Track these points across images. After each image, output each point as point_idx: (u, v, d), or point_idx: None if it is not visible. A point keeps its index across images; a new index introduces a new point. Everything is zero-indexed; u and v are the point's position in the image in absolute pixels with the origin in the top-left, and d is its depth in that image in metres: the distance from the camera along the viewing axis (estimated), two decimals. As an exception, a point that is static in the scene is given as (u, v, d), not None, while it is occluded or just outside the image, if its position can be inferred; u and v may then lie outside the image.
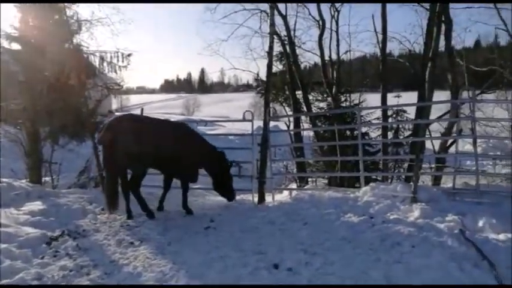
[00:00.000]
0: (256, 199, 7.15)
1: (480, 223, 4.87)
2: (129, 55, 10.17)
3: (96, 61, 10.00)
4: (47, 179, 8.61)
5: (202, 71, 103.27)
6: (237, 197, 7.21)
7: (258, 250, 4.37)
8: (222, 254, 4.26)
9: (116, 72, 10.22)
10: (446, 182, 9.15)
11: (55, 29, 8.43)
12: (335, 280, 3.60)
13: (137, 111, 8.38)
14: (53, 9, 8.47)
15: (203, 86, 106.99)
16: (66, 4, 8.57)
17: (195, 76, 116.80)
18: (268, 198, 7.23)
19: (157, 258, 4.17)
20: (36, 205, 5.73)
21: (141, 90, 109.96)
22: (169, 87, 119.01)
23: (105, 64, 10.08)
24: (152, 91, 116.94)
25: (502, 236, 4.44)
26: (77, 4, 9.21)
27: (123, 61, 10.18)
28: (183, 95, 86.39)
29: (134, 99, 67.50)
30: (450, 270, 3.74)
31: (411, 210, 5.46)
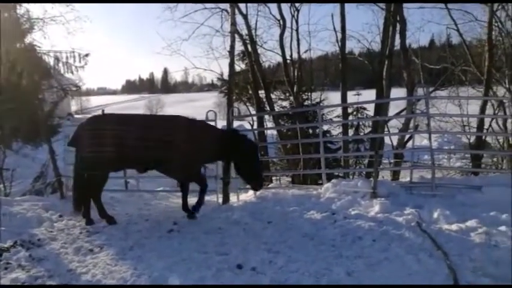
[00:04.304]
0: (220, 200, 7.12)
1: (435, 215, 5.08)
2: (86, 55, 9.85)
3: (50, 61, 9.60)
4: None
5: (165, 71, 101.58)
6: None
7: (221, 251, 4.34)
8: (185, 256, 4.19)
9: (72, 72, 9.86)
10: (405, 177, 9.48)
11: (5, 27, 8.02)
12: (298, 277, 3.64)
13: (99, 113, 8.10)
14: (2, 7, 8.05)
15: (166, 86, 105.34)
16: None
17: (158, 76, 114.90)
18: (233, 198, 7.22)
19: (118, 264, 4.04)
20: (-14, 215, 5.41)
21: (103, 92, 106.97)
22: (131, 87, 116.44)
23: (60, 64, 9.69)
24: (114, 92, 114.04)
25: (454, 226, 4.66)
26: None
27: (80, 61, 9.86)
28: (146, 95, 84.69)
29: (95, 100, 65.49)
30: (408, 262, 3.87)
31: (371, 205, 5.61)
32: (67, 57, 9.59)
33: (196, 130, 5.88)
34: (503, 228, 4.50)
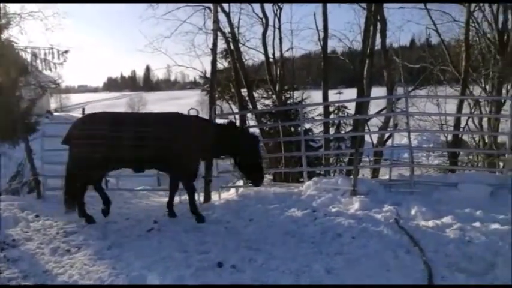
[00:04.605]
0: (202, 198, 7.09)
1: (413, 212, 5.17)
2: (65, 52, 9.64)
3: (28, 58, 9.37)
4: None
5: (148, 68, 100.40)
6: (183, 197, 7.06)
7: (202, 250, 4.33)
8: (164, 255, 4.17)
9: (50, 69, 9.64)
10: (384, 174, 9.63)
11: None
12: (278, 275, 3.66)
13: (78, 111, 7.95)
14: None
15: (149, 84, 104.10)
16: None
17: (140, 73, 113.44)
18: (214, 196, 7.20)
19: (96, 264, 3.99)
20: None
21: (83, 89, 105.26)
22: (113, 85, 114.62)
23: (38, 61, 9.47)
24: (95, 90, 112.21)
25: (430, 223, 4.75)
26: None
27: (58, 58, 9.63)
28: (128, 93, 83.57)
29: (75, 98, 64.29)
30: (386, 258, 3.94)
31: (351, 202, 5.67)
32: (45, 54, 9.36)
33: (192, 126, 5.74)
34: (477, 224, 4.61)
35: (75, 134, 5.36)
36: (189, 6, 13.85)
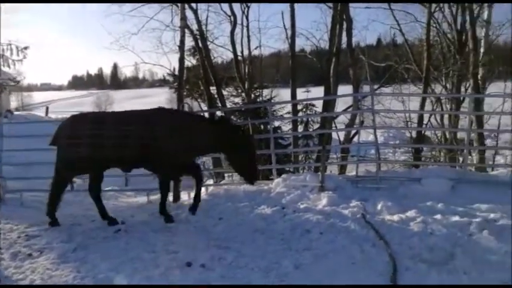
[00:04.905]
0: (171, 198, 6.99)
1: (379, 206, 5.33)
2: (25, 48, 9.25)
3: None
4: None
5: (115, 66, 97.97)
6: (151, 197, 6.95)
7: (171, 250, 4.28)
8: (132, 256, 4.09)
9: (9, 66, 9.24)
10: (351, 171, 9.85)
11: None
12: (246, 272, 3.67)
13: (42, 110, 7.62)
14: None
15: (116, 82, 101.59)
16: None
17: (107, 71, 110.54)
18: (184, 196, 7.12)
19: (60, 268, 3.86)
20: None
21: (47, 87, 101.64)
22: (78, 83, 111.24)
23: (-5, 58, 9.05)
24: (59, 88, 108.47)
25: (396, 217, 4.91)
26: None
27: (18, 54, 9.24)
28: (94, 91, 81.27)
29: (38, 96, 61.98)
30: (352, 253, 4.03)
31: (319, 198, 5.77)
32: (3, 50, 8.96)
33: (181, 122, 5.49)
34: (438, 216, 4.82)
35: (63, 134, 5.22)
36: (156, 3, 13.59)
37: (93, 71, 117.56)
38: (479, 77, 12.98)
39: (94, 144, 5.07)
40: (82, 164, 5.16)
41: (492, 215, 4.84)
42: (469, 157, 11.71)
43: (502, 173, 6.86)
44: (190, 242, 4.47)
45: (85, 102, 65.49)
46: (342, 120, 14.64)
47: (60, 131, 5.33)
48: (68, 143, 5.15)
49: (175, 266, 3.85)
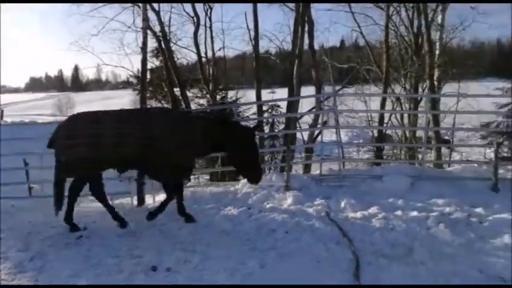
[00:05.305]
0: (135, 202, 6.87)
1: (342, 204, 5.46)
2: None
3: None
4: None
5: (76, 68, 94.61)
6: (116, 201, 6.79)
7: (135, 254, 4.20)
8: (94, 262, 3.98)
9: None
10: (316, 170, 10.04)
11: None
12: (212, 274, 3.66)
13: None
14: None
15: (77, 84, 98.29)
16: None
17: (68, 73, 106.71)
18: (149, 199, 7.00)
19: (16, 278, 3.70)
20: None
21: (1, 89, 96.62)
22: (37, 85, 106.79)
23: None
24: (15, 90, 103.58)
25: (358, 214, 5.06)
26: None
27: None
28: (54, 93, 78.24)
29: (-8, 99, 58.98)
30: (317, 250, 4.11)
31: (285, 198, 5.85)
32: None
33: (180, 121, 5.30)
34: (399, 212, 5.00)
35: (64, 135, 5.00)
36: (117, 4, 13.25)
37: (53, 73, 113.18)
38: (435, 78, 13.62)
39: (92, 145, 4.88)
40: (80, 165, 4.94)
41: (447, 209, 5.08)
42: (428, 154, 12.25)
43: (457, 169, 7.19)
44: (156, 246, 4.40)
45: (45, 105, 62.99)
46: (307, 120, 14.88)
47: (57, 132, 5.11)
48: (66, 145, 4.95)
49: (139, 271, 3.78)
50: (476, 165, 7.43)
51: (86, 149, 4.88)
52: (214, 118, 5.87)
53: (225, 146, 5.36)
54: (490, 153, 13.06)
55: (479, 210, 4.97)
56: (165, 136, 5.02)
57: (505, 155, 11.13)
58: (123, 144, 4.94)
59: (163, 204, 5.41)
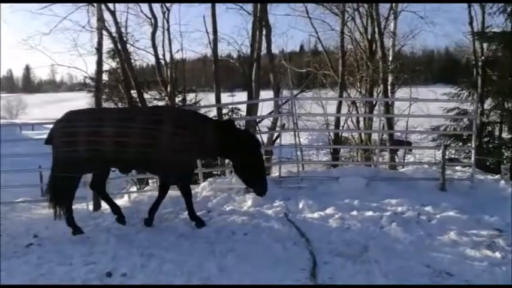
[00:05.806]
0: (91, 207, 6.65)
1: (300, 205, 5.56)
2: None
3: None
4: None
5: (27, 68, 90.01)
6: (76, 206, 6.50)
7: (89, 261, 4.06)
8: (44, 271, 3.82)
9: None
10: (276, 172, 10.15)
11: None
12: (169, 278, 3.61)
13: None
14: None
15: (29, 85, 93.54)
16: None
17: (18, 73, 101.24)
18: (105, 204, 6.78)
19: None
20: None
21: None
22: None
23: None
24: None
25: (316, 215, 5.18)
26: None
27: None
28: (3, 95, 73.95)
29: None
30: (275, 251, 4.17)
31: (245, 200, 5.88)
32: None
33: (187, 121, 4.99)
34: (354, 212, 5.16)
35: (61, 132, 4.75)
36: (70, 3, 12.70)
37: (2, 73, 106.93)
38: (388, 82, 14.23)
39: (92, 142, 4.64)
40: (80, 162, 4.68)
41: (400, 208, 5.31)
42: (382, 157, 12.75)
43: (409, 170, 7.53)
44: (111, 251, 4.27)
45: (-10, 107, 59.36)
46: (266, 123, 15.02)
47: (55, 128, 4.85)
48: (63, 141, 4.70)
49: (94, 277, 3.68)
50: (426, 166, 7.80)
51: (84, 146, 4.64)
52: (223, 122, 5.68)
53: (232, 153, 5.17)
54: (439, 155, 13.78)
55: (428, 208, 5.22)
56: (170, 135, 4.76)
57: (452, 156, 11.82)
58: (125, 144, 4.70)
59: (188, 204, 5.13)
